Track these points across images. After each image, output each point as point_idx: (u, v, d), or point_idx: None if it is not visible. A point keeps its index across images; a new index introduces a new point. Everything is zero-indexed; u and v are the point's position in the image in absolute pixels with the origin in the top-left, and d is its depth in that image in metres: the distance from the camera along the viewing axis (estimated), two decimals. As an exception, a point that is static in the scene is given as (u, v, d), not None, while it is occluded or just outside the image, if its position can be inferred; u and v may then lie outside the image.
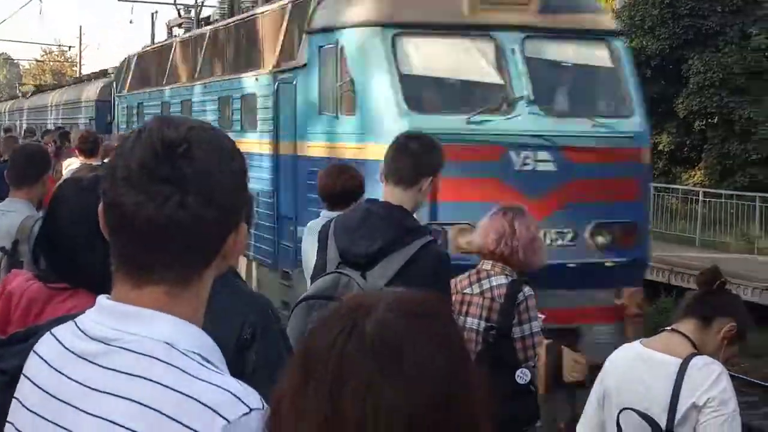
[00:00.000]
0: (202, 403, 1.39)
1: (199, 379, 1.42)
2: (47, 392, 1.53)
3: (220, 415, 1.38)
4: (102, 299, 1.55)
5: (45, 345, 1.61)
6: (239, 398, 1.41)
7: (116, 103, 19.74)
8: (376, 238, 3.65)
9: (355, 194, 4.90)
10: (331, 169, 5.68)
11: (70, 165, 8.61)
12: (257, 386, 1.47)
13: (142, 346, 1.46)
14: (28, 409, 1.56)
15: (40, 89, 35.94)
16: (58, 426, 1.49)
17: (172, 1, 20.49)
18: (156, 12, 29.21)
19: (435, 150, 3.92)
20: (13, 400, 1.62)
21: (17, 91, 47.95)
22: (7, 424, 1.62)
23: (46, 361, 1.57)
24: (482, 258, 4.58)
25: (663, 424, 3.11)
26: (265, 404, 1.42)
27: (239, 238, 1.56)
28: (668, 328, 3.40)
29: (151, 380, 1.43)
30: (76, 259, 2.44)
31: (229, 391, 1.41)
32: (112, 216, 1.51)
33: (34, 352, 1.62)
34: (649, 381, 3.22)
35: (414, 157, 3.80)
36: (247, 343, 2.87)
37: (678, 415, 3.11)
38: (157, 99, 16.10)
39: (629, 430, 3.15)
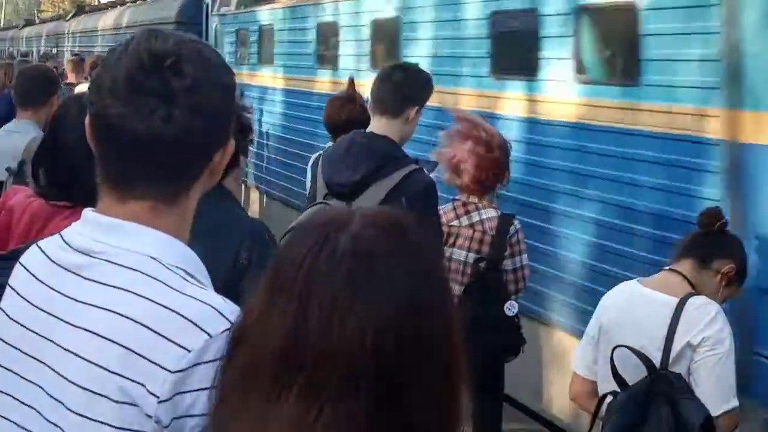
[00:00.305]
0: (185, 317, 1.39)
1: (183, 293, 1.42)
2: (33, 304, 1.54)
3: (202, 329, 1.38)
4: (87, 212, 1.54)
5: (30, 256, 1.61)
6: (221, 313, 1.40)
7: (214, 26, 13.69)
8: (358, 168, 3.65)
9: (360, 125, 4.87)
10: (335, 99, 5.51)
11: (82, 90, 8.57)
12: None
13: (125, 258, 1.46)
14: (14, 320, 1.56)
15: (80, 11, 30.84)
16: (45, 338, 1.49)
17: None
18: None
19: (420, 79, 3.92)
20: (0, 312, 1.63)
21: (35, 18, 47.37)
22: None
23: (30, 273, 1.57)
24: (465, 191, 4.58)
25: (657, 362, 3.12)
26: None
27: (227, 154, 1.55)
28: (666, 268, 3.39)
29: (133, 293, 1.42)
30: (78, 175, 2.42)
31: (211, 306, 1.41)
32: (98, 127, 1.49)
33: (20, 263, 1.62)
34: (646, 319, 3.21)
35: (398, 87, 3.79)
36: (243, 268, 2.87)
37: (672, 354, 3.11)
38: (305, 18, 10.02)
39: (623, 367, 3.15)
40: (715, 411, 3.07)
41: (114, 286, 1.44)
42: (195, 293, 1.43)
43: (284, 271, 1.19)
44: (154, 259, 1.46)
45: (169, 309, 1.40)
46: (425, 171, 3.77)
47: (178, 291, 1.43)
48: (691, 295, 3.20)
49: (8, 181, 4.62)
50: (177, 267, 1.47)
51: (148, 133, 1.44)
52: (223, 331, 1.38)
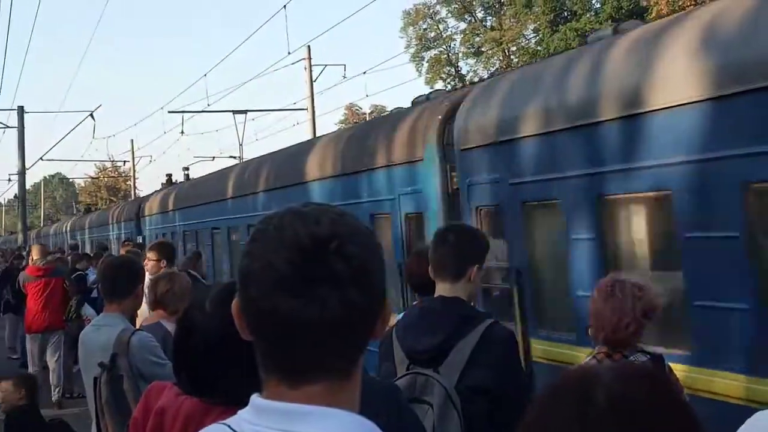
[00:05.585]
0: None
1: None
2: None
3: None
4: (257, 400, 1.49)
5: None
6: None
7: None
8: (437, 332, 3.66)
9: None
10: (414, 255, 5.24)
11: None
12: None
13: None
14: None
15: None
16: None
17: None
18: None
19: (474, 238, 3.97)
20: None
21: (74, 210, 48.47)
22: None
23: None
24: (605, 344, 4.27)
25: None
26: None
27: (387, 315, 1.51)
28: None
29: None
30: (226, 372, 2.34)
31: None
32: (267, 322, 1.44)
33: None
34: None
35: (455, 249, 3.83)
36: None
37: None
38: None
39: None
40: None
41: None
42: None
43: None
44: None
45: None
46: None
47: None
48: None
49: (102, 376, 4.58)
50: None
51: (326, 321, 1.41)
52: None
